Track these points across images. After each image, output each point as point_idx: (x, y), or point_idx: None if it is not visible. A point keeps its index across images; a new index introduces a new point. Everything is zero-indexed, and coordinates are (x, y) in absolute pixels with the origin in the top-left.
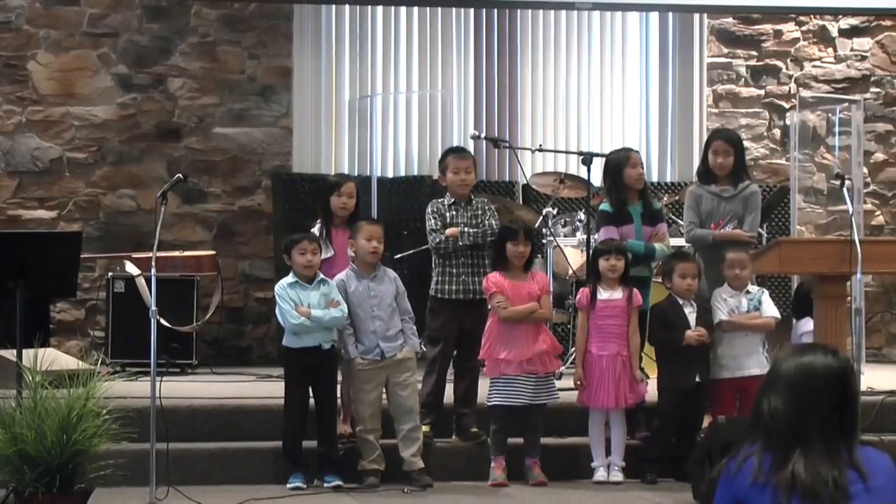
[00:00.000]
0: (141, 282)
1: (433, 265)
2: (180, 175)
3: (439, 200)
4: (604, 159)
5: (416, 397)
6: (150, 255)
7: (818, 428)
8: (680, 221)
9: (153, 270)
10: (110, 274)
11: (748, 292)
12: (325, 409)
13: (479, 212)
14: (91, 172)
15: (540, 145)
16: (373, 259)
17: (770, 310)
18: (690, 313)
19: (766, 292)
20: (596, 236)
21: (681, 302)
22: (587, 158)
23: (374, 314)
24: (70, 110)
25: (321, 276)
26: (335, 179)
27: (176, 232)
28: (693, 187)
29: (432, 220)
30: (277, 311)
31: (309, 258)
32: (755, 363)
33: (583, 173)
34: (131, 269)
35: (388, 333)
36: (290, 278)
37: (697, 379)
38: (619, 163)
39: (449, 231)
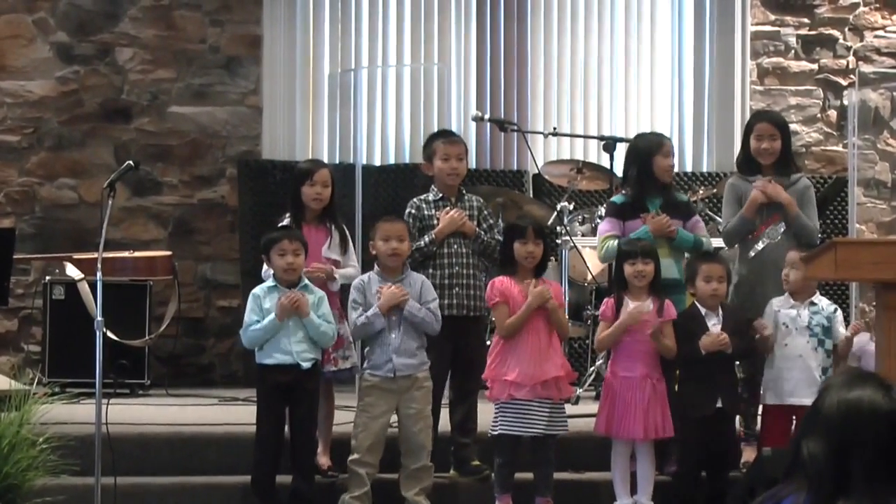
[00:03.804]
0: (84, 287)
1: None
2: (131, 162)
3: (422, 197)
4: (629, 145)
5: (429, 433)
6: (95, 255)
7: (863, 477)
8: (718, 218)
9: (99, 274)
10: (48, 278)
11: (812, 304)
12: (301, 437)
13: (474, 212)
14: (25, 159)
15: (554, 129)
16: (394, 262)
17: (842, 333)
18: (714, 325)
19: (840, 311)
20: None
21: (703, 312)
22: (610, 144)
23: (394, 323)
24: (1, 86)
25: (305, 281)
26: (307, 166)
27: (125, 229)
28: (733, 179)
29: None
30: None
31: (290, 260)
32: (812, 390)
33: (604, 161)
34: (73, 272)
35: (406, 347)
36: (269, 282)
37: (720, 404)
38: (649, 149)
39: (445, 221)
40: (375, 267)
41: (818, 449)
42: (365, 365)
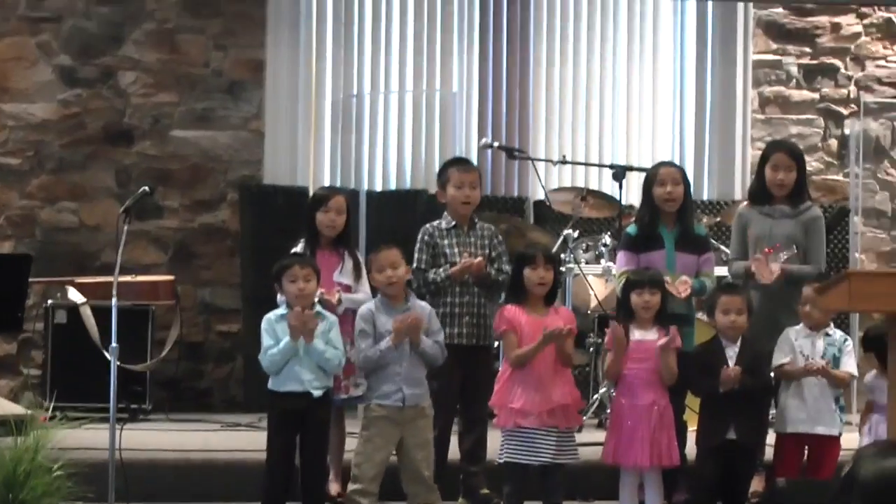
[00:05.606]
0: (86, 311)
1: (428, 301)
2: (146, 188)
3: (434, 224)
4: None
5: (431, 461)
6: (97, 280)
7: None
8: (723, 248)
9: (114, 300)
10: (49, 301)
11: (827, 335)
12: (312, 465)
13: (486, 241)
14: (26, 181)
15: (563, 157)
16: (393, 291)
17: (848, 363)
18: (733, 357)
19: (851, 342)
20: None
21: (724, 343)
22: (619, 172)
23: (403, 353)
24: (3, 108)
25: (318, 308)
26: (322, 193)
27: (126, 253)
28: (742, 208)
29: (418, 255)
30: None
31: (301, 286)
32: (826, 420)
33: (606, 188)
34: (75, 295)
35: (414, 377)
36: (281, 310)
37: (733, 436)
38: (648, 180)
39: (464, 265)
40: (379, 295)
41: None
42: (367, 394)
